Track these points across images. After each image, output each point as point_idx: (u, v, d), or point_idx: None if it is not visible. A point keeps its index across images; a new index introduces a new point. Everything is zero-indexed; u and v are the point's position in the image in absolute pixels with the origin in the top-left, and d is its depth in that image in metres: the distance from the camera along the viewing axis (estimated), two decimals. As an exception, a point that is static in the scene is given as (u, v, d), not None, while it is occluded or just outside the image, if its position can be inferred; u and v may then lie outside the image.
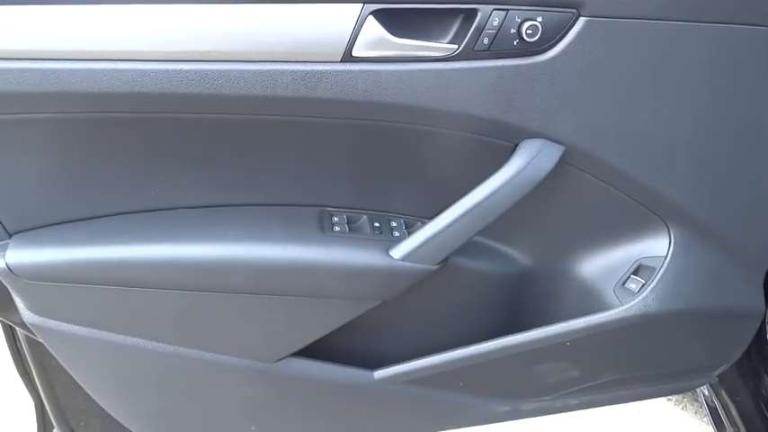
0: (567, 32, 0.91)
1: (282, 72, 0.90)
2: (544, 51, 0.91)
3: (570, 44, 0.91)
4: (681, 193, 1.01)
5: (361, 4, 0.88)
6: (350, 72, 0.90)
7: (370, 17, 0.88)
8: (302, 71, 0.90)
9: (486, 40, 0.90)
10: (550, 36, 0.90)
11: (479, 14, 0.89)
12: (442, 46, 0.91)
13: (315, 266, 0.97)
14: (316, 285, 0.99)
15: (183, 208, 1.03)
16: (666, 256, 1.04)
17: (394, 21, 0.89)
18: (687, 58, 0.93)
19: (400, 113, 0.94)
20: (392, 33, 0.89)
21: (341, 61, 0.90)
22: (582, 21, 0.90)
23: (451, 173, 1.04)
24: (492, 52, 0.91)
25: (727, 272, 1.05)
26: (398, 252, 0.99)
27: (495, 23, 0.89)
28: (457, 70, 0.91)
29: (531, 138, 0.96)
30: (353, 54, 0.89)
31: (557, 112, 0.95)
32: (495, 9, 0.89)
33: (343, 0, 0.87)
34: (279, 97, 0.91)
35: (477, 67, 0.91)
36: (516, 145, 0.98)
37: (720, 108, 0.96)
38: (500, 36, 0.90)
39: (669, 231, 1.04)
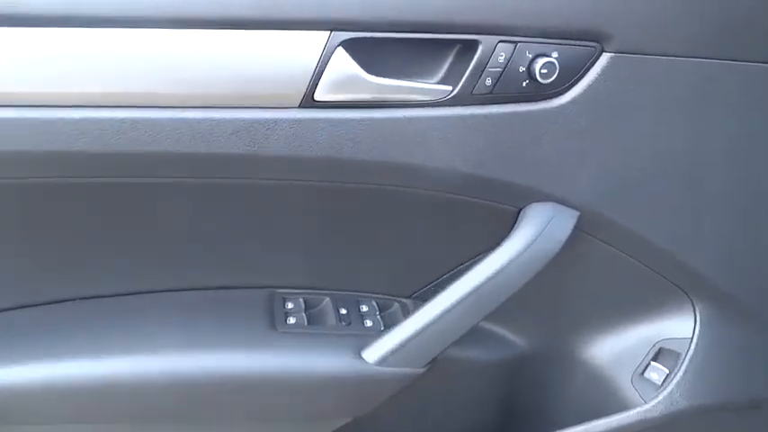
0: (586, 71, 0.72)
1: (220, 122, 0.66)
2: (559, 94, 0.72)
3: (591, 85, 0.72)
4: (708, 262, 0.84)
5: (328, 32, 0.66)
6: (311, 121, 0.68)
7: (340, 49, 0.66)
8: (247, 121, 0.67)
9: (488, 81, 0.70)
10: (567, 75, 0.71)
11: (481, 48, 0.69)
12: (432, 87, 0.70)
13: (263, 380, 0.73)
14: (265, 405, 0.74)
15: (78, 299, 0.76)
16: (692, 339, 0.86)
17: (370, 54, 0.68)
18: (724, 102, 0.76)
19: (376, 173, 0.72)
20: (367, 70, 0.68)
21: (299, 107, 0.68)
22: (606, 57, 0.72)
23: (437, 243, 0.83)
24: (495, 95, 0.71)
25: (763, 354, 0.88)
26: (373, 354, 0.77)
27: (501, 60, 0.69)
28: (451, 118, 0.70)
29: (540, 201, 0.77)
30: (316, 98, 0.67)
31: (571, 169, 0.75)
32: (502, 41, 0.69)
33: (304, 26, 0.65)
34: (214, 156, 0.67)
35: (477, 115, 0.71)
36: (520, 210, 0.78)
37: (758, 162, 0.80)
38: (506, 75, 0.70)
39: (694, 307, 0.86)
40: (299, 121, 0.68)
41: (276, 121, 0.67)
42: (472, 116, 0.71)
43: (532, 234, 0.75)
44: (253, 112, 0.67)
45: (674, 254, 0.82)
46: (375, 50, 0.68)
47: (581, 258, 0.82)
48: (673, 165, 0.78)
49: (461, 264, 0.85)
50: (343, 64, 0.67)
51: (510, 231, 0.77)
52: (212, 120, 0.66)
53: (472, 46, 0.69)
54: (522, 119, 0.72)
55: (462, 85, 0.70)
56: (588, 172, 0.76)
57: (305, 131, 0.68)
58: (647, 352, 0.88)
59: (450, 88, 0.70)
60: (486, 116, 0.71)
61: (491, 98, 0.71)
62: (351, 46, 0.67)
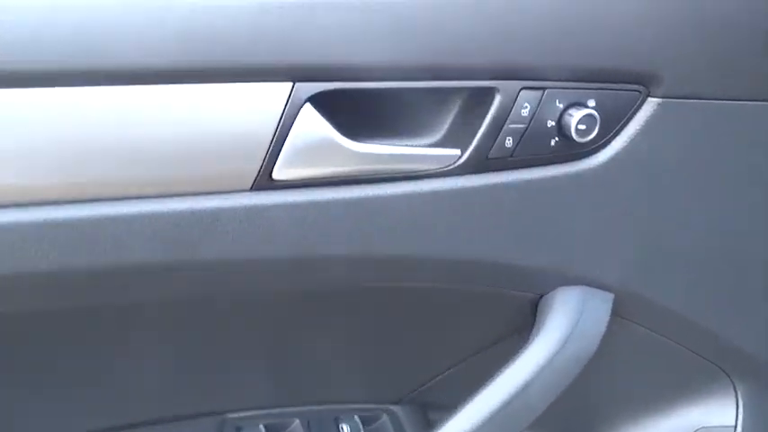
0: (628, 121, 0.55)
1: (133, 220, 0.45)
2: (594, 152, 0.55)
3: (633, 139, 0.55)
4: (752, 339, 0.70)
5: (290, 84, 0.46)
6: (268, 208, 0.48)
7: (307, 107, 0.46)
8: (174, 215, 0.46)
9: (508, 141, 0.52)
10: (605, 128, 0.54)
11: (499, 98, 0.50)
12: (434, 153, 0.51)
13: None
14: None
15: None
16: (736, 426, 0.72)
17: (349, 112, 0.49)
18: None
19: (358, 270, 0.53)
20: (345, 134, 0.48)
21: (252, 189, 0.47)
22: (652, 104, 0.55)
23: (431, 338, 0.65)
24: (516, 159, 0.53)
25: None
26: None
27: (525, 113, 0.51)
28: (459, 192, 0.52)
29: (567, 285, 0.60)
30: (275, 176, 0.47)
31: (608, 244, 0.59)
32: (526, 88, 0.51)
33: (255, 75, 0.45)
34: (125, 268, 0.46)
35: (494, 186, 0.53)
36: (541, 297, 0.61)
37: None
38: (532, 133, 0.52)
39: (735, 391, 0.72)
40: (252, 209, 0.47)
41: (217, 213, 0.46)
42: (487, 188, 0.53)
43: (565, 329, 0.58)
44: (182, 201, 0.46)
45: (716, 332, 0.67)
46: (355, 106, 0.49)
47: (611, 343, 0.66)
48: (723, 231, 0.62)
49: (461, 361, 0.67)
50: (313, 127, 0.47)
51: (534, 326, 0.60)
52: (122, 218, 0.44)
53: (487, 95, 0.51)
54: (550, 186, 0.54)
55: (474, 148, 0.51)
56: (627, 246, 0.59)
57: (260, 223, 0.48)
58: None
59: (457, 152, 0.51)
60: (505, 186, 0.53)
61: (511, 163, 0.53)
62: (322, 102, 0.47)
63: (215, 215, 0.46)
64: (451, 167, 0.51)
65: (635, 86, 0.54)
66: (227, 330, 0.59)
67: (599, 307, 0.60)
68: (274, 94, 0.46)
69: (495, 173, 0.53)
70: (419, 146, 0.52)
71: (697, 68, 0.55)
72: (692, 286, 0.64)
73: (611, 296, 0.61)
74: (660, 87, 0.54)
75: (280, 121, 0.46)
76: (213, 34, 0.43)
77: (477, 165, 0.52)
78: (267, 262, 0.49)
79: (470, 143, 0.51)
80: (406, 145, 0.52)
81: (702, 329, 0.67)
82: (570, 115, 0.52)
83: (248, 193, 0.47)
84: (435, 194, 0.51)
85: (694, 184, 0.59)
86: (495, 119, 0.51)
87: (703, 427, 0.74)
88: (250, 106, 0.45)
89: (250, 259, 0.48)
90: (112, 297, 0.49)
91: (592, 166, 0.55)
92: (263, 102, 0.45)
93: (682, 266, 0.62)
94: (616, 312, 0.63)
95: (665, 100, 0.55)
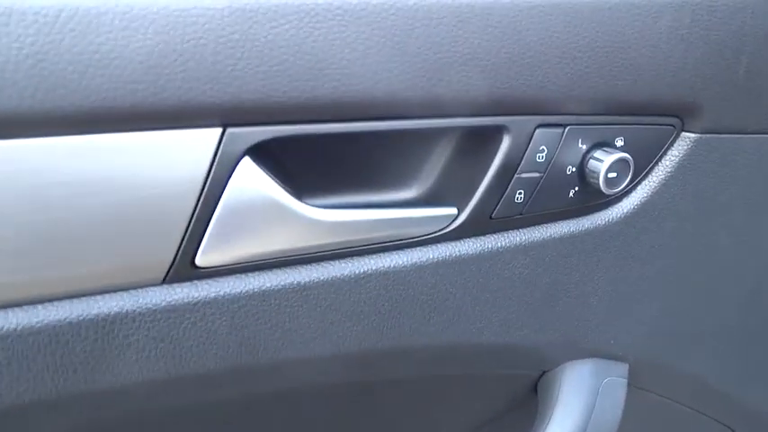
0: (658, 161, 0.43)
1: (7, 335, 0.29)
2: (619, 199, 0.43)
3: (665, 182, 0.44)
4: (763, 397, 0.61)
5: (219, 130, 0.31)
6: (190, 307, 0.33)
7: (246, 162, 0.32)
8: (59, 324, 0.30)
9: (519, 196, 0.39)
10: (636, 172, 0.42)
11: (509, 139, 0.37)
12: (423, 215, 0.38)
13: None
14: None
15: None
16: None
17: (303, 165, 0.34)
18: None
19: (322, 371, 0.39)
20: (301, 192, 0.34)
21: (164, 282, 0.32)
22: (687, 139, 0.43)
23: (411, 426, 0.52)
24: (527, 217, 0.40)
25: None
26: None
27: (541, 158, 0.38)
28: (454, 262, 0.39)
29: (576, 359, 0.48)
30: (198, 261, 0.32)
31: (625, 308, 0.47)
32: (542, 126, 0.38)
33: (172, 121, 0.30)
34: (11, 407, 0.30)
35: (496, 252, 0.40)
36: (542, 374, 0.49)
37: None
38: (548, 183, 0.39)
39: None
40: (167, 310, 0.32)
41: (115, 320, 0.31)
42: (489, 254, 0.40)
43: (581, 413, 0.47)
44: (65, 307, 0.30)
45: (731, 394, 0.58)
46: (311, 153, 0.35)
47: (625, 415, 0.56)
48: (752, 287, 0.52)
49: None
50: (254, 188, 0.32)
51: (541, 408, 0.48)
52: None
53: (492, 136, 0.37)
54: (564, 246, 0.42)
55: (475, 207, 0.38)
56: (647, 309, 0.48)
57: (178, 328, 0.33)
58: None
59: (453, 212, 0.38)
60: (510, 251, 0.40)
61: (520, 222, 0.40)
62: (266, 154, 0.32)
63: (112, 322, 0.31)
64: (445, 232, 0.38)
65: (669, 120, 0.42)
66: None
67: (616, 383, 0.49)
68: (196, 145, 0.31)
69: (499, 234, 0.40)
70: (401, 201, 0.38)
71: (740, 98, 0.44)
72: (711, 350, 0.55)
73: (625, 367, 0.50)
74: (698, 120, 0.43)
75: (205, 184, 0.31)
76: (94, 63, 0.27)
77: (478, 227, 0.39)
78: (192, 379, 0.34)
79: (469, 200, 0.38)
80: (383, 201, 0.38)
81: (718, 393, 0.58)
82: (597, 159, 0.40)
83: (160, 288, 0.32)
84: (422, 268, 0.38)
85: (729, 233, 0.48)
86: (503, 167, 0.38)
87: None
88: (159, 163, 0.30)
89: (167, 379, 0.34)
90: None
91: (614, 219, 0.43)
92: (179, 156, 0.30)
93: (704, 329, 0.52)
94: (629, 381, 0.52)
95: (701, 135, 0.44)
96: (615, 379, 0.49)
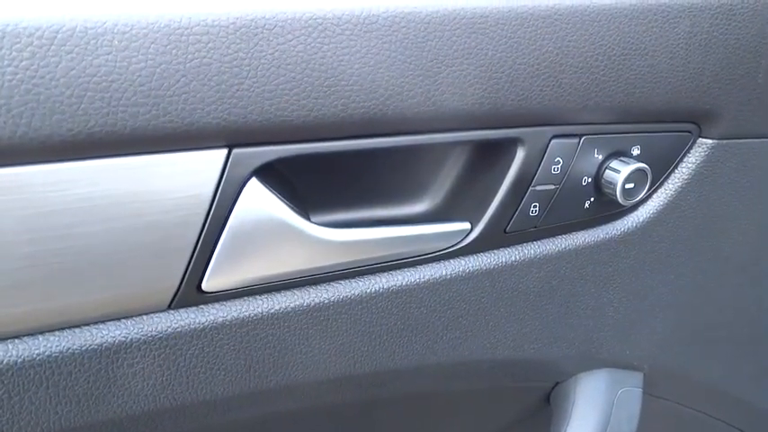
0: (675, 168, 0.42)
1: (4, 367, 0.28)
2: (635, 208, 0.42)
3: (682, 189, 0.42)
4: None
5: (225, 151, 0.30)
6: (195, 334, 0.32)
7: (253, 183, 0.31)
8: (61, 353, 0.29)
9: (534, 209, 0.38)
10: (652, 180, 0.41)
11: (524, 151, 0.36)
12: (435, 232, 0.36)
13: None
14: None
15: None
16: None
17: (311, 185, 0.33)
18: None
19: (334, 392, 0.38)
20: (307, 216, 0.33)
21: (171, 307, 0.31)
22: (704, 145, 0.42)
23: None
24: (542, 230, 0.39)
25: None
26: None
27: (557, 170, 0.37)
28: (468, 277, 0.38)
29: (589, 369, 0.47)
30: (205, 287, 0.31)
31: (641, 317, 0.46)
32: (558, 137, 0.36)
33: (176, 143, 0.28)
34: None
35: (510, 266, 0.39)
36: (555, 385, 0.48)
37: None
38: (563, 194, 0.38)
39: None
40: (172, 336, 0.31)
41: (119, 348, 0.30)
42: (503, 268, 0.38)
43: (598, 421, 0.46)
44: (67, 337, 0.29)
45: (747, 399, 0.57)
46: (319, 175, 0.34)
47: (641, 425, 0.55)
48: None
49: None
50: (261, 210, 0.31)
51: (556, 421, 0.47)
52: None
53: (507, 149, 0.36)
54: (579, 257, 0.41)
55: (489, 221, 0.37)
56: (662, 316, 0.47)
57: (184, 355, 0.32)
58: None
59: (466, 227, 0.37)
60: (524, 265, 0.39)
61: (533, 234, 0.39)
62: (272, 173, 0.31)
63: (116, 351, 0.30)
64: (458, 247, 0.37)
65: (686, 126, 0.41)
66: None
67: (631, 393, 0.48)
68: (202, 167, 0.29)
69: (513, 247, 0.39)
70: (412, 217, 0.37)
71: (759, 103, 0.42)
72: (724, 355, 0.54)
73: (640, 376, 0.49)
74: (715, 126, 0.41)
75: (211, 207, 0.30)
76: (94, 85, 0.26)
77: (492, 241, 0.38)
78: (199, 405, 0.33)
79: (483, 214, 0.37)
80: (394, 216, 0.37)
81: (730, 397, 0.57)
82: (614, 170, 0.38)
83: (165, 314, 0.31)
84: (435, 285, 0.37)
85: (744, 240, 0.47)
86: (517, 180, 0.36)
87: None
88: (163, 186, 0.29)
89: (174, 407, 0.32)
90: None
91: (629, 229, 0.42)
92: (184, 179, 0.29)
93: (717, 335, 0.51)
94: (644, 390, 0.51)
95: (718, 141, 0.42)
96: (631, 389, 0.48)
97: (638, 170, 0.38)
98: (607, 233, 0.42)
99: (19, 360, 0.29)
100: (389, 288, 0.36)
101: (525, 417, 0.51)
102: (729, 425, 0.61)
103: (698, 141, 0.42)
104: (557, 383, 0.48)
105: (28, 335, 0.29)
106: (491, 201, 0.37)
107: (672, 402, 0.55)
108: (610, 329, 0.45)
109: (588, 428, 0.45)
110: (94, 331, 0.30)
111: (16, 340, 0.29)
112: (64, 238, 0.28)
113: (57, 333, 0.29)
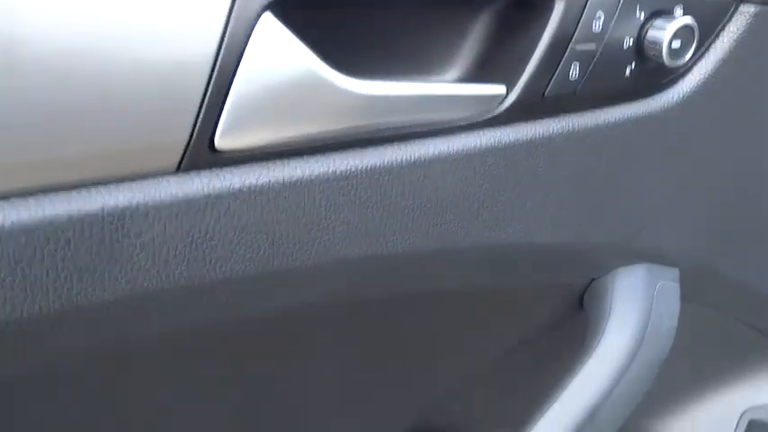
0: (715, 38, 0.39)
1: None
2: (675, 81, 0.39)
3: (725, 60, 0.39)
4: None
5: (239, -19, 0.26)
6: (207, 201, 0.28)
7: (267, 17, 0.27)
8: (52, 220, 0.25)
9: (574, 71, 0.34)
10: (697, 47, 0.38)
11: (561, 5, 0.32)
12: (471, 93, 0.33)
13: None
14: None
15: None
16: None
17: (336, 30, 0.29)
18: None
19: (360, 277, 0.35)
20: (334, 65, 0.29)
21: (179, 170, 0.27)
22: (745, 14, 0.39)
23: (441, 352, 0.48)
24: (581, 100, 0.36)
25: None
26: None
27: (597, 27, 0.34)
28: (505, 150, 0.34)
29: (626, 264, 0.44)
30: (218, 144, 0.27)
31: (680, 205, 0.44)
32: (597, -9, 0.33)
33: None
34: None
35: (549, 138, 0.35)
36: (589, 284, 0.45)
37: None
38: (604, 56, 0.35)
39: None
40: (184, 202, 0.27)
41: (124, 213, 0.26)
42: (542, 141, 0.35)
43: (639, 317, 0.43)
44: (63, 199, 0.25)
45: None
46: (342, 29, 0.30)
47: None
48: None
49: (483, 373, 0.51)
50: (277, 51, 0.27)
51: (591, 322, 0.45)
52: None
53: (541, 6, 0.33)
54: (618, 133, 0.38)
55: (527, 83, 0.33)
56: (702, 206, 0.45)
57: (199, 225, 0.28)
58: (734, 424, 0.62)
59: (502, 90, 0.33)
60: (563, 137, 0.36)
61: (571, 103, 0.36)
62: (289, 13, 0.27)
63: (120, 218, 0.26)
64: (494, 114, 0.33)
65: None
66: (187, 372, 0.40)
67: (670, 287, 0.45)
68: (207, 1, 0.25)
69: (551, 118, 0.35)
70: (446, 83, 0.33)
71: None
72: (754, 253, 0.51)
73: (676, 272, 0.46)
74: None
75: (220, 47, 0.26)
76: None
77: (529, 108, 0.34)
78: (218, 286, 0.30)
79: (520, 76, 0.33)
80: (427, 80, 0.33)
81: (759, 298, 0.55)
82: (659, 28, 0.35)
83: (175, 177, 0.27)
84: (470, 156, 0.33)
85: None
86: (556, 37, 0.33)
87: (750, 408, 0.63)
88: (166, 23, 0.25)
89: (189, 287, 0.29)
90: None
91: (672, 102, 0.39)
92: (188, 14, 0.25)
93: (757, 231, 0.49)
94: None
95: (760, 8, 0.39)
96: (669, 283, 0.45)
97: (686, 26, 0.35)
98: (648, 107, 0.38)
99: (7, 224, 0.25)
100: (421, 157, 0.32)
101: (555, 325, 0.49)
102: (757, 330, 0.59)
103: (739, 9, 0.39)
104: (592, 280, 0.45)
105: (16, 195, 0.25)
106: (528, 60, 0.33)
107: (701, 306, 0.52)
108: (647, 218, 0.42)
109: (629, 325, 0.43)
110: (94, 193, 0.26)
111: (2, 201, 0.25)
112: (55, 81, 0.24)
113: (50, 194, 0.25)
